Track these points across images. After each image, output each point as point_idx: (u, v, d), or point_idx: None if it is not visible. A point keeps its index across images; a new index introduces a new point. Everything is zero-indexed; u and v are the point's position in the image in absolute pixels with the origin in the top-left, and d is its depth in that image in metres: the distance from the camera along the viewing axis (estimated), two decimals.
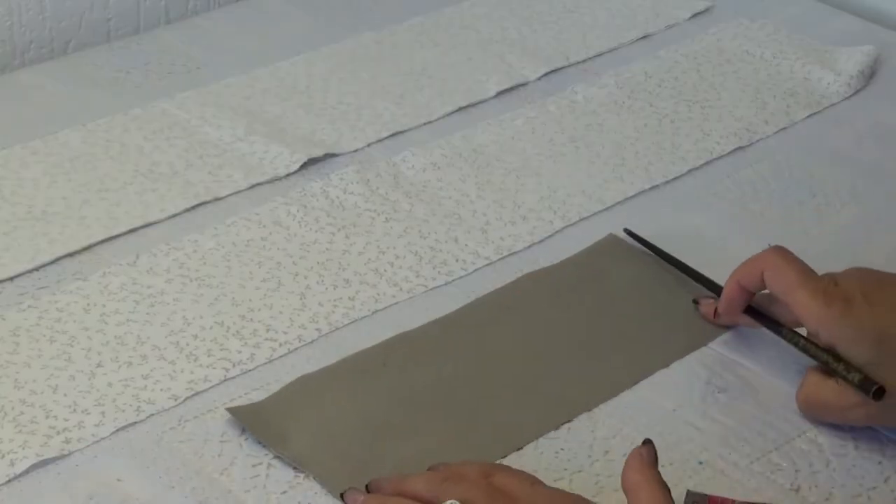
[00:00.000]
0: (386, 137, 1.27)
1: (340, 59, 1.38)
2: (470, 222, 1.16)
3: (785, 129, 1.30)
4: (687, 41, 1.43)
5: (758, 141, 1.28)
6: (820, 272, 1.01)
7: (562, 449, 0.95)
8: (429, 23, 1.45)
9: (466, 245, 1.13)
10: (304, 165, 1.22)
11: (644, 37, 1.44)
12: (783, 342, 1.00)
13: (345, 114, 1.29)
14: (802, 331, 0.98)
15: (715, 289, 1.06)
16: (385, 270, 1.10)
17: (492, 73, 1.36)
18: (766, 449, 0.95)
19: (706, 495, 0.90)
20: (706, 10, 1.49)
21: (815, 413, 0.97)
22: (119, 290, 1.06)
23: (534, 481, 0.86)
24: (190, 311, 1.05)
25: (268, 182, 1.20)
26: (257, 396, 0.98)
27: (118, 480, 0.91)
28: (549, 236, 1.15)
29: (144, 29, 1.46)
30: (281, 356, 1.02)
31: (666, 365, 1.02)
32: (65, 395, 0.97)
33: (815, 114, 1.32)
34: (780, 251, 0.99)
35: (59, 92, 1.32)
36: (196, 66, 1.37)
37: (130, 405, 0.97)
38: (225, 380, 0.99)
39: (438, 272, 1.10)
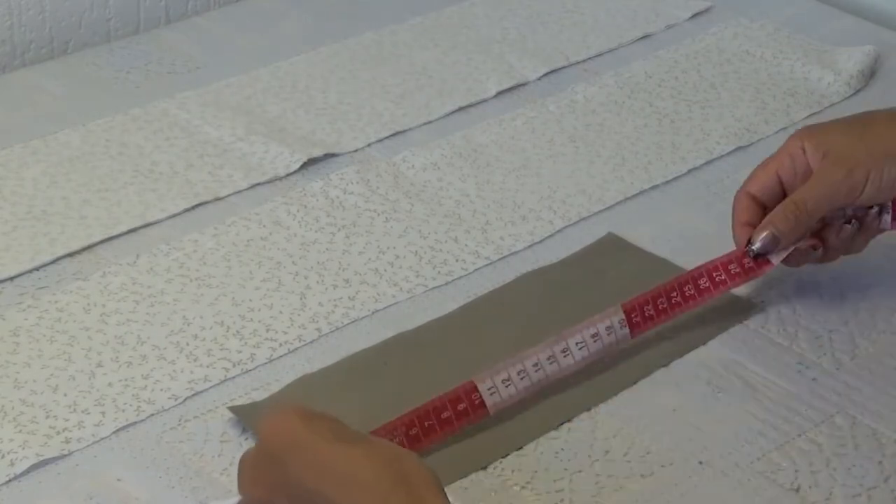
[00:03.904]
0: (386, 137, 1.27)
1: (340, 59, 1.38)
2: (470, 222, 1.16)
3: (785, 129, 1.30)
4: (687, 41, 1.43)
5: (758, 141, 1.28)
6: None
7: (562, 449, 0.94)
8: (429, 23, 1.45)
9: (466, 245, 1.13)
10: (304, 165, 1.22)
11: (644, 37, 1.44)
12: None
13: (345, 114, 1.29)
14: None
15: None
16: (385, 270, 1.10)
17: (492, 73, 1.36)
18: (766, 449, 0.95)
19: None
20: (706, 10, 1.49)
21: None
22: (119, 290, 1.06)
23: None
24: (190, 311, 1.05)
25: (268, 182, 1.20)
26: (257, 396, 0.98)
27: (118, 480, 0.91)
28: (549, 236, 1.15)
29: (144, 29, 1.46)
30: (281, 356, 1.01)
31: (666, 365, 1.02)
32: (65, 395, 0.97)
33: (815, 114, 1.32)
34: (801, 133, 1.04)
35: (59, 92, 1.32)
36: (196, 66, 1.37)
37: (130, 405, 0.97)
38: (225, 380, 0.99)
39: (438, 272, 1.10)
